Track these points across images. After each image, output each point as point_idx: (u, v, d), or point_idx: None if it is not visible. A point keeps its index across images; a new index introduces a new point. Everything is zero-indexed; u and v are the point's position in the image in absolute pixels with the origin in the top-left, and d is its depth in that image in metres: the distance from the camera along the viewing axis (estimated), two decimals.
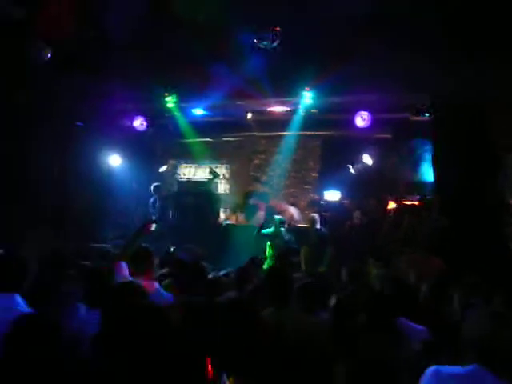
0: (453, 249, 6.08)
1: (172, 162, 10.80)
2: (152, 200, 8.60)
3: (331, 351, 2.75)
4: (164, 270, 4.54)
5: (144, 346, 2.02)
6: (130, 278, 3.67)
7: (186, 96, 8.54)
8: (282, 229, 7.51)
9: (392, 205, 8.85)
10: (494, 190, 6.65)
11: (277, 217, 7.69)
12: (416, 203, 7.98)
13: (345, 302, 3.23)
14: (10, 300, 2.82)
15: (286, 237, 7.45)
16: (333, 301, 3.31)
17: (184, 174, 10.91)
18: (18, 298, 2.87)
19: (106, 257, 4.93)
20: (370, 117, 8.11)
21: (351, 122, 8.30)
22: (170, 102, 8.63)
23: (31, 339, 2.13)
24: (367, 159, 9.20)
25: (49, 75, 7.26)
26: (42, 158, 7.96)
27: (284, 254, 6.68)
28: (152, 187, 8.76)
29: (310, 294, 3.30)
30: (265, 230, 7.49)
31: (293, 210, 9.21)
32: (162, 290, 3.78)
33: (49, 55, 7.10)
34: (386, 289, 3.67)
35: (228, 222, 8.97)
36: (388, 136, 9.32)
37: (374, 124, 8.29)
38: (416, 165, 9.09)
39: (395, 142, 9.24)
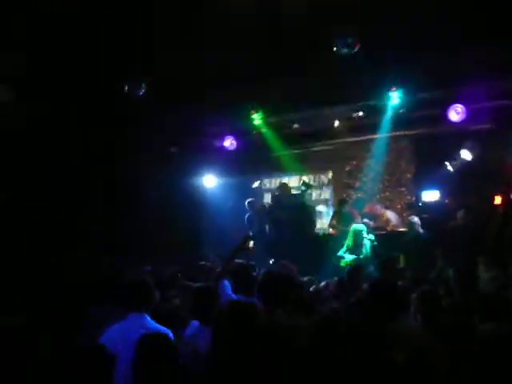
0: None
1: (264, 177, 10.97)
2: (247, 216, 8.79)
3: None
4: None
5: (261, 366, 2.06)
6: (234, 296, 3.76)
7: (273, 111, 8.69)
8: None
9: (499, 200, 8.24)
10: None
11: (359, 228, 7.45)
12: None
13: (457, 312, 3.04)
14: (143, 319, 3.24)
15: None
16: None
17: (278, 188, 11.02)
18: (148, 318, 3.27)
19: (209, 275, 5.12)
20: (464, 109, 7.65)
21: (444, 117, 7.90)
22: (257, 118, 8.81)
23: (159, 354, 2.43)
24: (466, 154, 8.65)
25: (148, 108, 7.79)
26: (148, 183, 8.51)
27: (389, 262, 6.38)
28: (246, 203, 8.95)
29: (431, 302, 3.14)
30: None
31: (389, 214, 8.92)
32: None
33: (143, 90, 7.63)
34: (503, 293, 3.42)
35: (324, 232, 8.89)
36: (487, 126, 8.72)
37: (470, 116, 7.81)
38: None
39: (497, 131, 8.61)
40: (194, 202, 9.36)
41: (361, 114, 8.65)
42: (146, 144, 8.52)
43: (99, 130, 7.88)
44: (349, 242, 7.39)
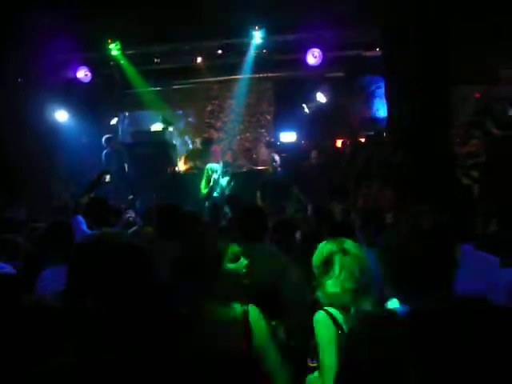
0: (405, 183, 6.23)
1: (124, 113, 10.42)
2: (105, 152, 8.34)
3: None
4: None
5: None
6: (88, 231, 3.58)
7: (131, 42, 8.16)
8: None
9: (347, 142, 8.97)
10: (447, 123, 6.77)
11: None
12: (373, 139, 8.06)
13: (310, 235, 3.29)
14: None
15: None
16: (298, 235, 3.36)
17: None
18: None
19: (63, 212, 4.80)
20: (321, 54, 8.00)
21: (303, 62, 8.18)
22: (114, 49, 8.21)
23: None
24: (321, 97, 9.16)
25: None
26: None
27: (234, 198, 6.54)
28: (104, 139, 8.46)
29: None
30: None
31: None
32: None
33: None
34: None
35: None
36: (340, 74, 9.29)
37: (326, 62, 8.20)
38: (369, 101, 9.14)
39: (348, 79, 9.22)
40: (47, 139, 8.54)
41: (223, 51, 8.52)
42: None
43: None
44: (203, 180, 7.45)
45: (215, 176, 7.40)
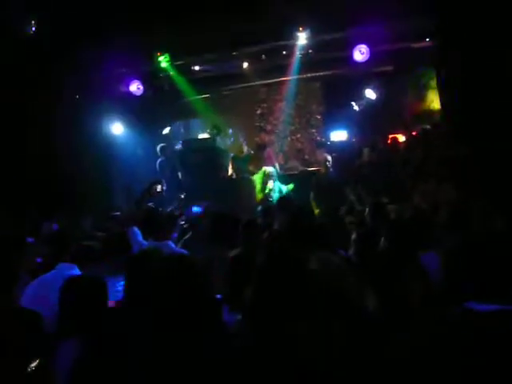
0: (465, 177, 5.99)
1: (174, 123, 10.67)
2: (159, 161, 8.56)
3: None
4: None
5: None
6: (144, 243, 3.68)
7: (179, 53, 8.36)
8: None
9: (401, 138, 8.72)
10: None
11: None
12: (429, 133, 7.79)
13: (366, 236, 3.24)
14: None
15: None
16: (354, 236, 3.31)
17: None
18: None
19: (121, 223, 4.96)
20: (368, 49, 7.83)
21: (350, 59, 8.04)
22: (164, 61, 8.45)
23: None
24: (370, 93, 8.96)
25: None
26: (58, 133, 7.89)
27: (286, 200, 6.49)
28: (158, 148, 8.69)
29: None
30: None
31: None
32: (177, 249, 3.79)
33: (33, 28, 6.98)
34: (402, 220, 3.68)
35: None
36: (389, 68, 9.05)
37: (374, 57, 8.02)
38: (422, 94, 8.86)
39: (397, 73, 8.97)
40: (104, 151, 8.90)
41: (269, 55, 8.54)
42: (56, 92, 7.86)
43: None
44: (260, 184, 7.46)
45: (272, 179, 7.41)
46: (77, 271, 3.15)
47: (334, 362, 1.65)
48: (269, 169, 7.59)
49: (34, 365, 2.00)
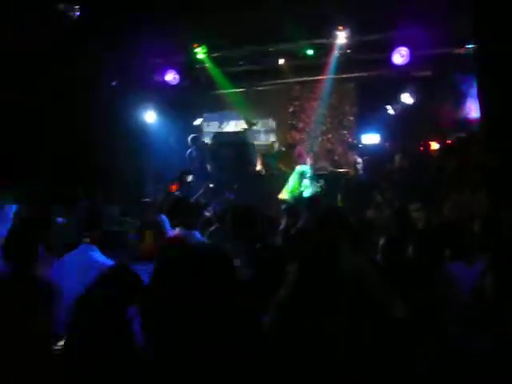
0: (501, 187, 5.83)
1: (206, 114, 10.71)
2: (189, 151, 8.61)
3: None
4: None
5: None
6: (171, 230, 3.70)
7: (217, 45, 8.39)
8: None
9: (435, 145, 8.54)
10: None
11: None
12: (464, 141, 7.61)
13: (394, 242, 3.20)
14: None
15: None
16: (382, 241, 3.26)
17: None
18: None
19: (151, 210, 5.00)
20: (409, 53, 7.69)
21: (388, 61, 7.92)
22: (201, 52, 8.49)
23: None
24: (406, 98, 8.80)
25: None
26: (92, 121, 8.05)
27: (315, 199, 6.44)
28: (189, 138, 8.74)
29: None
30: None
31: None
32: (203, 239, 3.79)
33: (77, 13, 7.10)
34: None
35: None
36: (428, 73, 8.87)
37: (413, 61, 7.89)
38: (460, 102, 8.64)
39: (436, 78, 8.78)
40: (137, 139, 9.01)
41: (307, 52, 8.48)
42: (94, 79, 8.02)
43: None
44: (294, 182, 7.44)
45: (307, 177, 7.41)
46: (98, 252, 3.20)
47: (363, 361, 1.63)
48: (304, 167, 7.58)
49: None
